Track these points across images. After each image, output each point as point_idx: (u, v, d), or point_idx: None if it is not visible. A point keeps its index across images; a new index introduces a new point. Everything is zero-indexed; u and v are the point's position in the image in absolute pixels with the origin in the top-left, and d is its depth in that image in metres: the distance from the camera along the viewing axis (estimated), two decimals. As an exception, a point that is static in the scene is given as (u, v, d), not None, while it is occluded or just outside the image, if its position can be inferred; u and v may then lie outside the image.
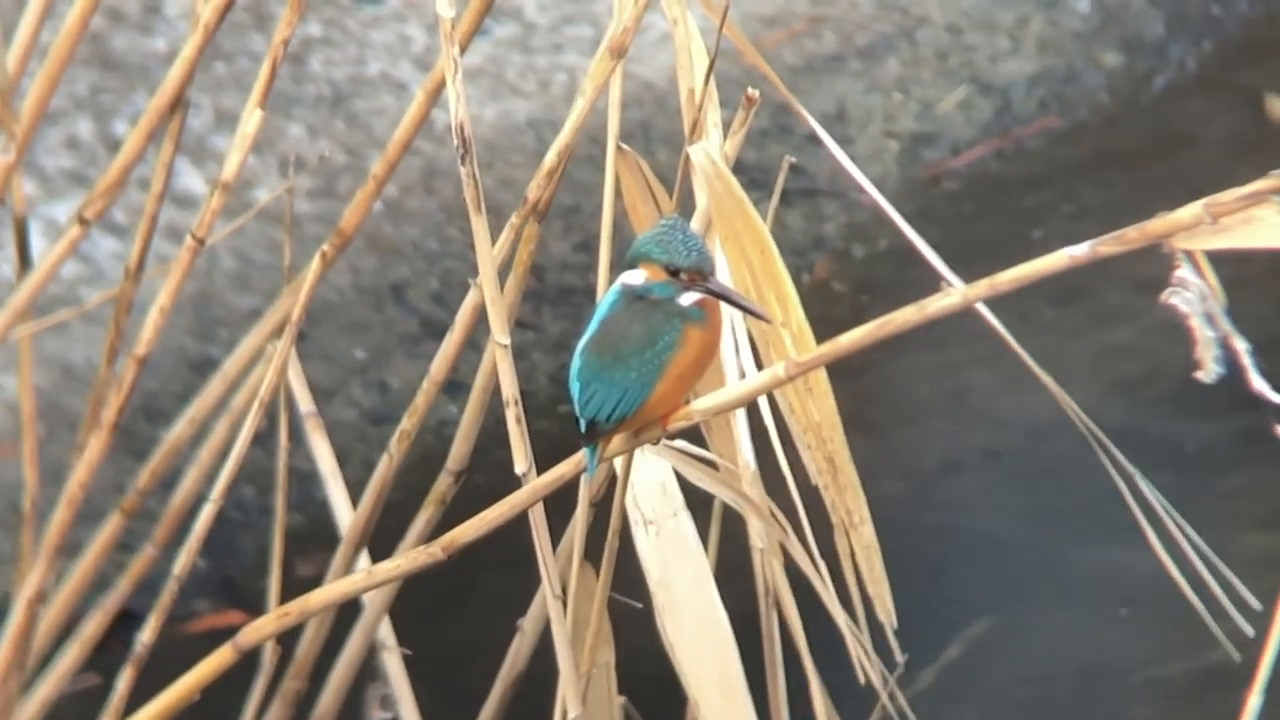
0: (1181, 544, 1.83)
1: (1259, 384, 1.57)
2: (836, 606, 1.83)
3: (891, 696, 1.82)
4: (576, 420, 1.71)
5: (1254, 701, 1.69)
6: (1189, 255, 1.57)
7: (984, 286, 1.63)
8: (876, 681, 1.82)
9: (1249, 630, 1.72)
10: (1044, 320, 3.18)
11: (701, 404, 1.71)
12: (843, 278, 3.32)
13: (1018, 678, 2.69)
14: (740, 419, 1.90)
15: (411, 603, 2.34)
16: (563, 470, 1.73)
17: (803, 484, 1.84)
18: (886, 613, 1.82)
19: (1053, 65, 3.63)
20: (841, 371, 1.81)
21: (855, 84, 3.53)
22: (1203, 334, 1.57)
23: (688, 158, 1.86)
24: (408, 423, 2.11)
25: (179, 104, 2.11)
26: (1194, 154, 3.52)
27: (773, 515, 1.88)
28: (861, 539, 1.81)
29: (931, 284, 1.67)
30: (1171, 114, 3.61)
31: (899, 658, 1.82)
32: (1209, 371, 1.57)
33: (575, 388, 1.70)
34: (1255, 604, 1.76)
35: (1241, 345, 1.56)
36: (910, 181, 3.47)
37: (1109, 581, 2.82)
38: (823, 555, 1.87)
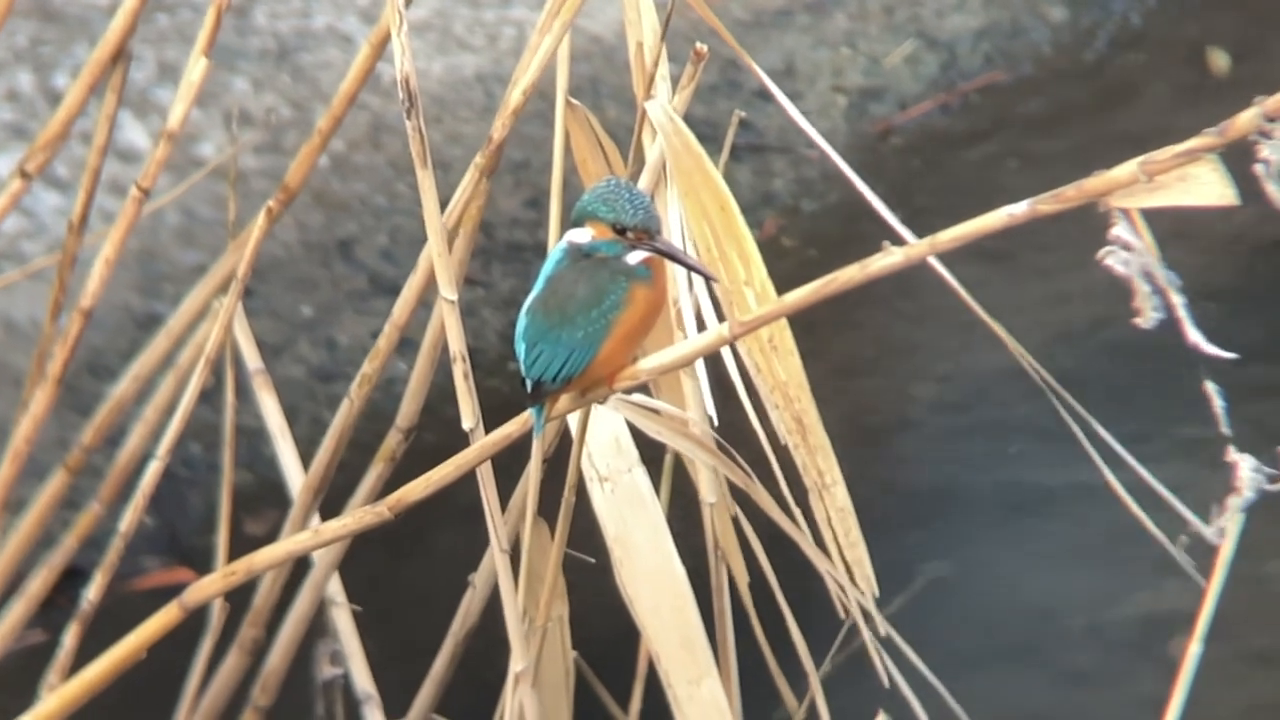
0: (1119, 489, 1.85)
1: (1194, 336, 1.59)
2: (805, 543, 1.83)
3: (869, 625, 1.84)
4: (523, 380, 1.71)
5: (1194, 649, 1.72)
6: (1125, 213, 1.59)
7: (924, 245, 1.64)
8: (857, 615, 1.83)
9: (1199, 579, 1.75)
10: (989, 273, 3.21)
11: (648, 363, 1.71)
12: (792, 233, 3.33)
13: (962, 627, 2.72)
14: (701, 373, 1.91)
15: (361, 558, 2.34)
16: (509, 430, 1.74)
17: (774, 435, 1.84)
18: (865, 578, 1.83)
19: (998, 19, 3.64)
20: (794, 327, 1.82)
21: (803, 39, 3.53)
22: (1141, 288, 1.60)
23: (643, 114, 1.86)
24: (369, 367, 2.10)
25: (121, 56, 2.08)
26: (1137, 107, 3.55)
27: (735, 462, 1.88)
28: (835, 501, 1.81)
29: (880, 239, 1.68)
30: (1115, 68, 3.63)
31: (870, 606, 1.83)
32: (1148, 319, 1.60)
33: (521, 348, 1.70)
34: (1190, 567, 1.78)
35: (1178, 299, 1.59)
36: (858, 136, 3.47)
37: (1055, 531, 2.86)
38: (796, 502, 1.88)
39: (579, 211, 1.70)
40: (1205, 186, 1.59)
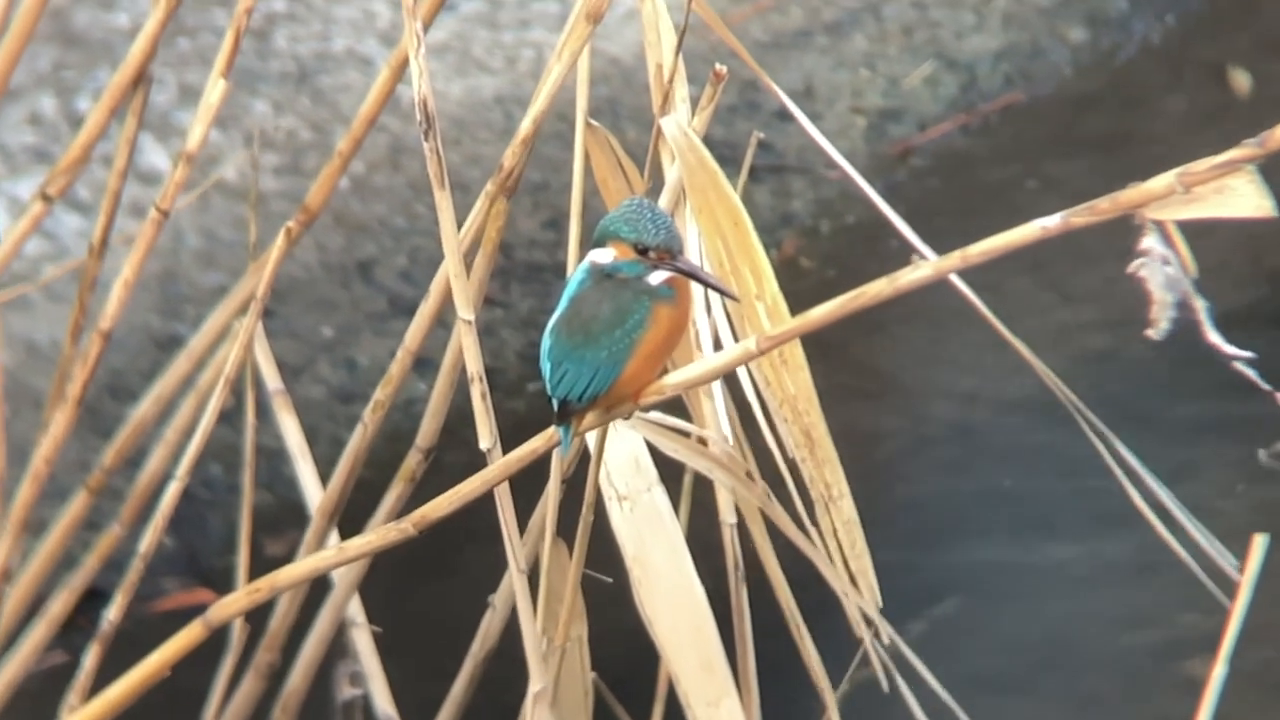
0: (1153, 511, 1.84)
1: (1215, 338, 1.58)
2: (823, 563, 1.83)
3: (880, 648, 1.83)
4: (549, 399, 1.71)
5: (1218, 671, 1.71)
6: (1160, 226, 1.57)
7: (955, 259, 1.63)
8: (866, 634, 1.83)
9: (1224, 600, 1.74)
10: (1012, 293, 3.20)
11: (674, 378, 1.71)
12: (810, 254, 3.32)
13: (979, 648, 2.71)
14: (717, 392, 1.91)
15: (382, 580, 2.34)
16: (535, 445, 1.74)
17: (790, 458, 1.84)
18: (869, 589, 1.83)
19: (1017, 40, 3.64)
20: (813, 346, 1.82)
21: (822, 60, 3.53)
22: (1160, 296, 1.58)
23: (659, 131, 1.86)
24: (382, 393, 2.10)
25: (142, 80, 2.09)
26: (1158, 128, 3.54)
27: (750, 478, 1.88)
28: (841, 514, 1.81)
29: (898, 259, 1.67)
30: (1135, 88, 3.62)
31: (884, 631, 1.83)
32: (1159, 329, 1.59)
33: (546, 368, 1.71)
34: (1233, 568, 1.77)
35: (1200, 303, 1.57)
36: (877, 158, 3.47)
37: (1073, 552, 2.84)
38: (807, 525, 1.88)
39: (601, 231, 1.70)
40: (1242, 198, 1.57)
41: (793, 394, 1.81)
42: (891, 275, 1.63)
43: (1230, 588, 1.73)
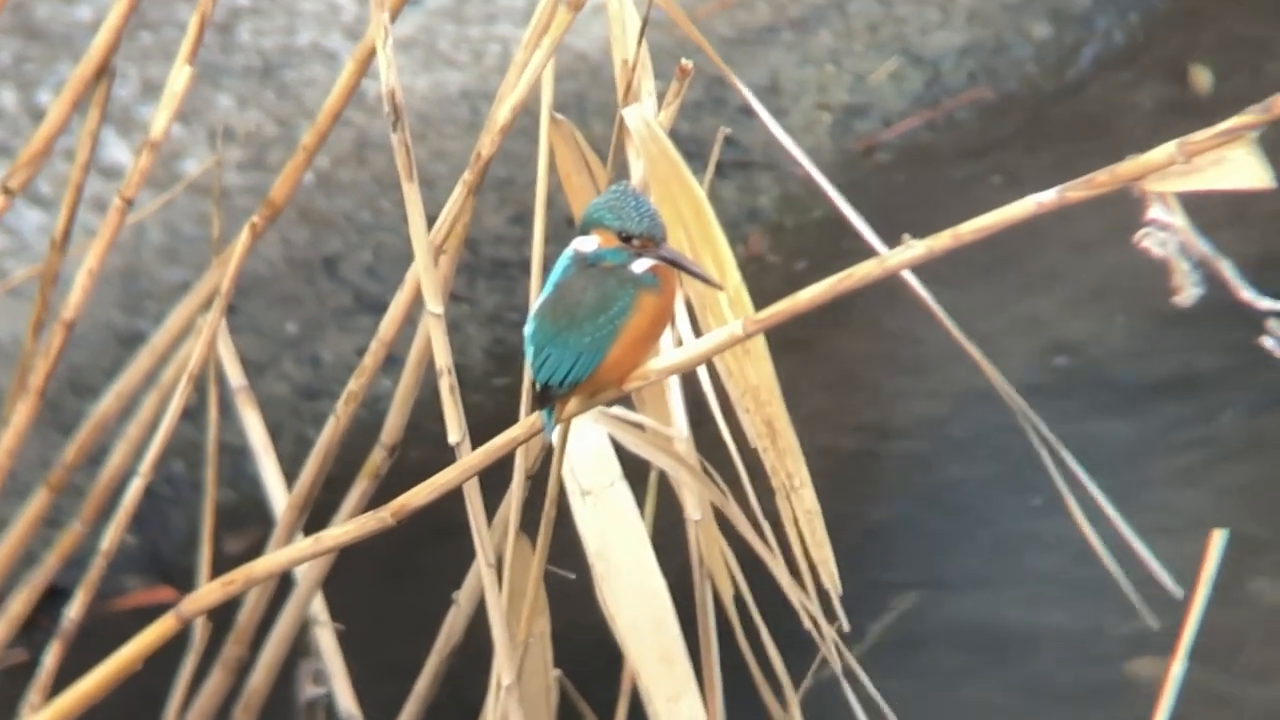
0: (1095, 515, 1.85)
1: (1248, 294, 1.56)
2: (777, 566, 1.83)
3: (837, 652, 1.84)
4: (533, 383, 1.70)
5: (1177, 668, 1.71)
6: (1161, 198, 1.54)
7: (947, 238, 1.61)
8: (829, 634, 1.83)
9: (1177, 593, 1.74)
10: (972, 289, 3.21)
11: (660, 363, 1.70)
12: (776, 249, 3.33)
13: (942, 645, 2.72)
14: (674, 387, 1.91)
15: (345, 578, 2.34)
16: (515, 433, 1.72)
17: (747, 452, 1.84)
18: (830, 576, 1.83)
19: (982, 37, 3.65)
20: (778, 343, 1.82)
21: (788, 56, 3.53)
22: (1178, 265, 1.55)
23: (622, 123, 1.85)
24: (355, 384, 2.09)
25: (104, 73, 2.08)
26: (1121, 124, 3.56)
27: (709, 476, 1.88)
28: (803, 503, 1.81)
29: (865, 253, 1.67)
30: (1099, 85, 3.64)
31: (843, 622, 1.83)
32: (1187, 296, 1.56)
33: (529, 350, 1.70)
34: (1171, 586, 1.78)
35: (1223, 260, 1.54)
36: (843, 153, 3.48)
37: (1035, 550, 2.85)
38: (766, 519, 1.88)
39: (585, 219, 1.69)
40: (1241, 169, 1.54)
41: (755, 384, 1.80)
42: (881, 256, 1.61)
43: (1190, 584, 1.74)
